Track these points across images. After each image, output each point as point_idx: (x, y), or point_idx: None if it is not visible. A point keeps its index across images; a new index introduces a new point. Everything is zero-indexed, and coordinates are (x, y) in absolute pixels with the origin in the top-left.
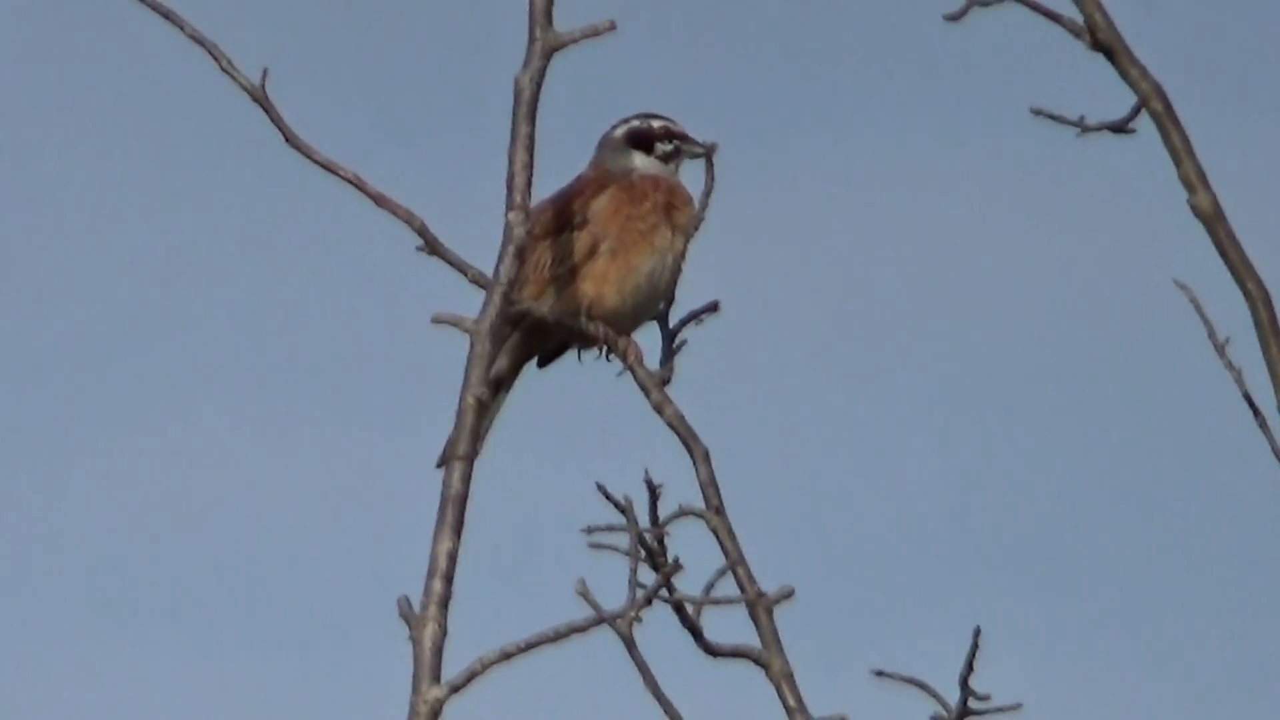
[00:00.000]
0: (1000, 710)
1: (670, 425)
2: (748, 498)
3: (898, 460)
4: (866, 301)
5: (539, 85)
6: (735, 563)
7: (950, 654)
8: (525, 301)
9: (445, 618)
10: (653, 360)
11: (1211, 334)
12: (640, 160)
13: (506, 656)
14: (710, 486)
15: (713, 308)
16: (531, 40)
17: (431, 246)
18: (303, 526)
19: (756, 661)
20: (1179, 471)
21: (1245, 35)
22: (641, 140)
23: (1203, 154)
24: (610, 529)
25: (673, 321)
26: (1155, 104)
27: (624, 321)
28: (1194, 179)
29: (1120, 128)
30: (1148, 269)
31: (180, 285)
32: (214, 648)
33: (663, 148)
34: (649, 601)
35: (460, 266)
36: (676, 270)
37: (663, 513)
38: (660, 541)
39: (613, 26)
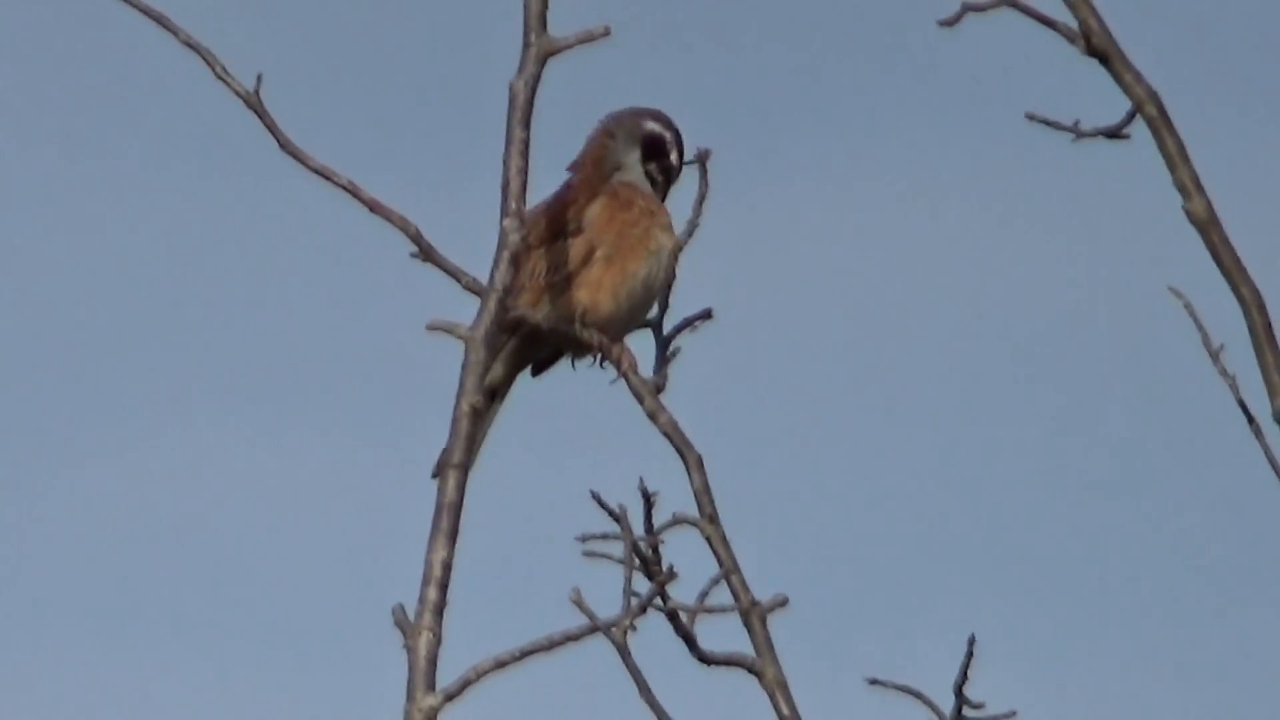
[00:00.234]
0: (995, 718)
1: (664, 433)
2: (742, 506)
3: (892, 468)
4: (860, 309)
5: (534, 91)
6: (729, 571)
7: (945, 662)
8: (520, 309)
9: (440, 626)
10: (647, 368)
11: (1206, 340)
12: (634, 164)
13: (501, 665)
14: (704, 494)
15: (706, 315)
16: (526, 45)
17: (426, 253)
18: (297, 534)
19: (750, 670)
20: (1173, 478)
21: (1240, 40)
22: (652, 151)
23: (1197, 159)
24: (604, 537)
25: (666, 329)
26: (1150, 109)
27: (618, 327)
28: (1188, 184)
29: (1115, 133)
30: (1142, 275)
31: (174, 292)
32: (209, 656)
33: (654, 167)
34: (643, 610)
35: (455, 273)
36: (670, 274)
37: (657, 521)
38: (655, 550)
39: (607, 32)
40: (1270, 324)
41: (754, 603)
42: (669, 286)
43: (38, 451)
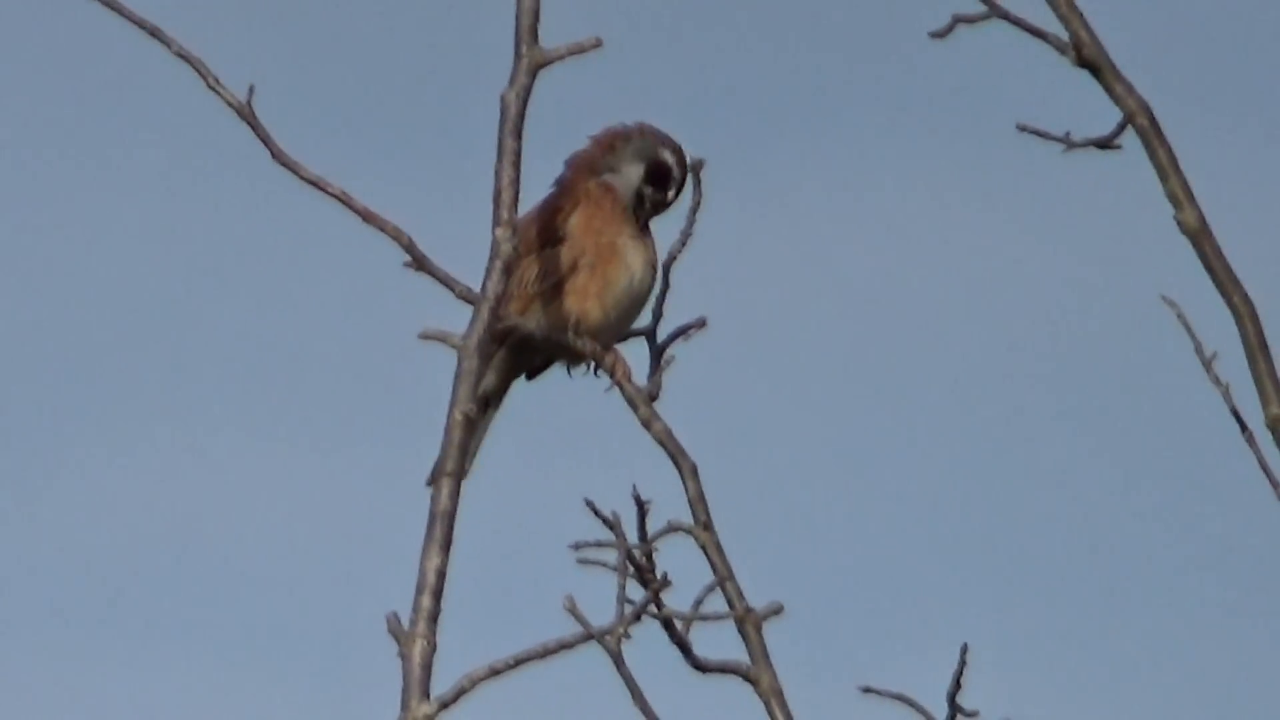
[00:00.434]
0: None
1: (658, 441)
2: (736, 513)
3: (886, 476)
4: (853, 318)
5: (525, 102)
6: (724, 578)
7: (938, 670)
8: (513, 317)
9: (434, 634)
10: (640, 375)
11: (1198, 349)
12: (631, 178)
13: (495, 673)
14: (699, 502)
15: (700, 324)
16: (518, 57)
17: (419, 262)
18: (291, 542)
19: (745, 677)
20: (1167, 487)
21: (1231, 51)
22: (657, 178)
23: (1188, 170)
24: (598, 545)
25: (660, 337)
26: (1141, 120)
27: (609, 335)
28: (1180, 194)
29: (1106, 144)
30: (1134, 285)
31: (167, 301)
32: (204, 663)
33: (651, 191)
34: (637, 617)
35: (448, 282)
36: (654, 283)
37: (651, 528)
38: (649, 557)
39: (598, 43)
40: (1262, 332)
41: (749, 610)
42: (662, 295)
43: (40, 458)
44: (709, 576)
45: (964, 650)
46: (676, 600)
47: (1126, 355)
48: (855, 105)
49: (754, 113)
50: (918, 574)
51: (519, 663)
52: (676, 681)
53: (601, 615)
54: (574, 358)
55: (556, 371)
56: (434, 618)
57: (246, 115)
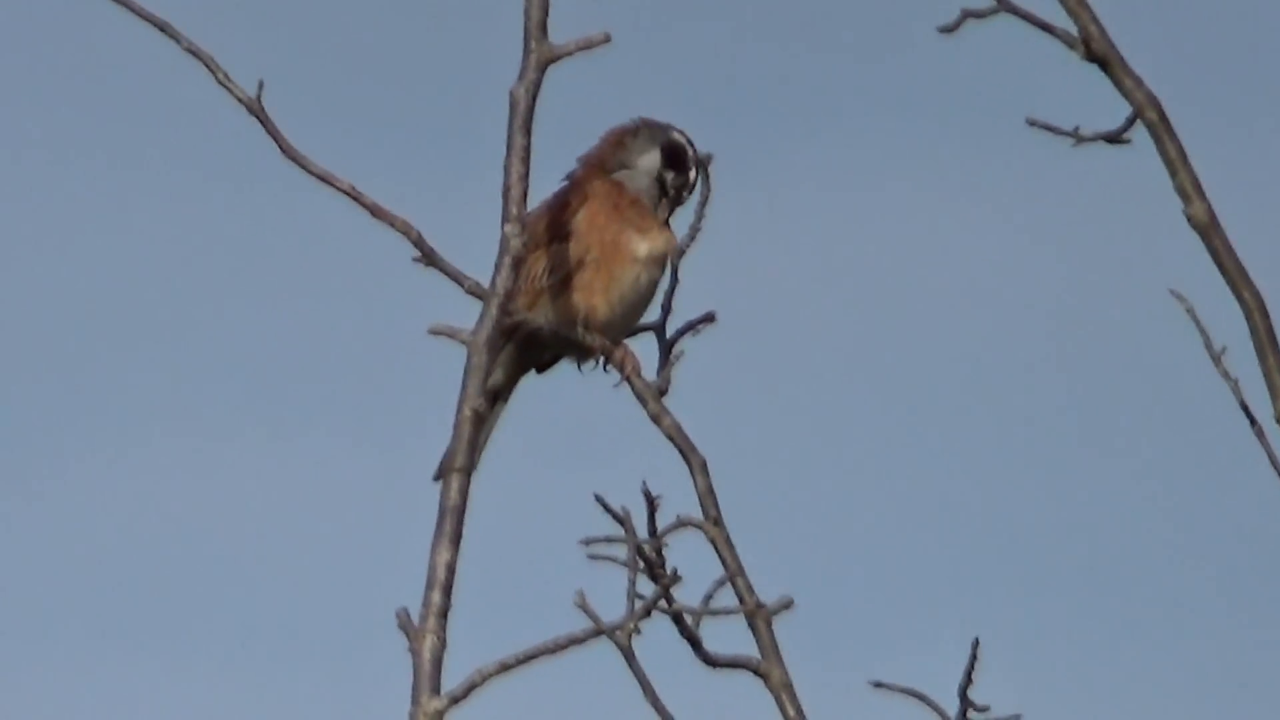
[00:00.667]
0: None
1: (668, 436)
2: (746, 508)
3: (896, 470)
4: (862, 312)
5: (534, 97)
6: (734, 573)
7: (949, 665)
8: (521, 313)
9: (444, 629)
10: (650, 371)
11: (1208, 344)
12: (647, 166)
13: (505, 668)
14: (708, 497)
15: (709, 318)
16: (527, 52)
17: (428, 257)
18: (300, 538)
19: (756, 672)
20: (1176, 482)
21: (1239, 45)
22: (673, 159)
23: (1198, 164)
24: (609, 540)
25: (669, 332)
26: (1150, 114)
27: (617, 330)
28: (1189, 189)
29: (1115, 138)
30: (1143, 279)
31: (176, 297)
32: (212, 660)
33: (671, 176)
34: (648, 612)
35: (457, 277)
36: (661, 278)
37: (661, 524)
38: (659, 552)
39: (607, 39)
40: (1272, 327)
41: (759, 605)
42: (671, 290)
43: (45, 455)
44: (719, 571)
45: (975, 645)
46: (687, 595)
47: (1136, 350)
48: (864, 100)
49: (763, 107)
50: (929, 568)
51: (529, 658)
52: (687, 676)
53: (612, 610)
54: (583, 353)
55: (566, 366)
56: (444, 613)
57: (256, 110)
